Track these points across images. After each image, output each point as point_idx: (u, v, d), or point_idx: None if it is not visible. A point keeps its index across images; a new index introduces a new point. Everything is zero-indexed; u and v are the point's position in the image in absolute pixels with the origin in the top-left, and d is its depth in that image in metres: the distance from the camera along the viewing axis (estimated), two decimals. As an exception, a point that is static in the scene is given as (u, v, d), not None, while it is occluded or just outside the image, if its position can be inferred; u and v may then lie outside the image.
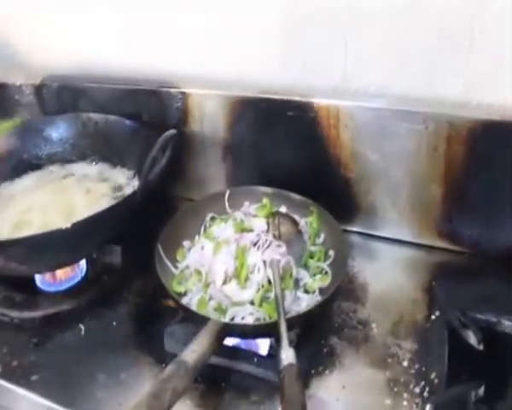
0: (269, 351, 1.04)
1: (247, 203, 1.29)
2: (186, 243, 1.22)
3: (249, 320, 1.03)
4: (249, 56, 1.34)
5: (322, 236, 1.22)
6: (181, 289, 1.12)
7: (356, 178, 1.31)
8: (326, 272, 1.14)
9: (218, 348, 0.95)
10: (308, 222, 1.24)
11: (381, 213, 1.33)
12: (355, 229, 1.37)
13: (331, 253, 1.18)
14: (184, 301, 1.09)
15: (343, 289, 1.19)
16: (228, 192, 1.31)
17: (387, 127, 1.21)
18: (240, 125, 1.37)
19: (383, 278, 1.23)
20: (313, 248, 1.19)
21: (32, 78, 1.62)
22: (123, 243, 1.26)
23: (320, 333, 1.09)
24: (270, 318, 1.02)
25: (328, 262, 1.16)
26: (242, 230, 1.19)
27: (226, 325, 0.97)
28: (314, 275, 1.14)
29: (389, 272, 1.25)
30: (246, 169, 1.42)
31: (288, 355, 0.86)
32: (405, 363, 1.02)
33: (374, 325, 1.11)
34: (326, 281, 1.12)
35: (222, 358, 1.01)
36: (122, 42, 1.50)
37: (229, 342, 1.04)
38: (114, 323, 1.15)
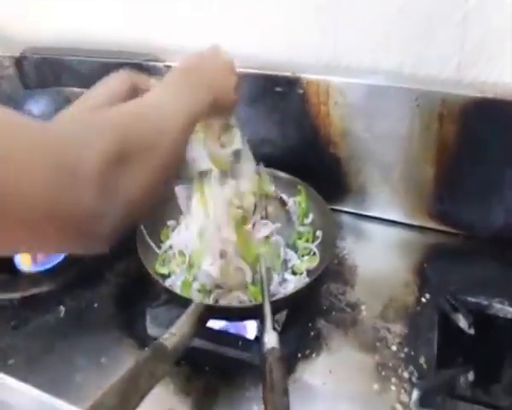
0: (256, 335, 1.04)
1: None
2: (171, 223, 1.21)
3: (234, 302, 1.03)
4: (239, 30, 1.33)
5: (311, 216, 1.21)
6: (164, 270, 1.11)
7: (346, 157, 1.30)
8: (314, 254, 1.14)
9: (201, 330, 0.94)
10: (296, 202, 1.23)
11: (372, 192, 1.33)
12: (345, 209, 1.37)
13: (319, 233, 1.17)
14: (167, 283, 1.08)
15: (332, 271, 1.19)
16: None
17: (379, 105, 1.20)
18: None
19: (373, 259, 1.23)
20: (301, 229, 1.19)
21: (12, 49, 1.59)
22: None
23: (307, 316, 1.09)
24: (256, 300, 1.02)
25: (316, 243, 1.16)
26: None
27: (209, 307, 0.97)
28: (302, 256, 1.15)
29: (380, 253, 1.25)
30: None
31: (270, 339, 0.85)
32: (394, 347, 1.02)
33: (363, 308, 1.11)
34: (314, 262, 1.12)
35: (206, 341, 1.01)
36: (109, 15, 1.48)
37: (216, 325, 1.04)
38: (95, 305, 1.14)
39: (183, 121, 0.75)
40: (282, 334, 0.93)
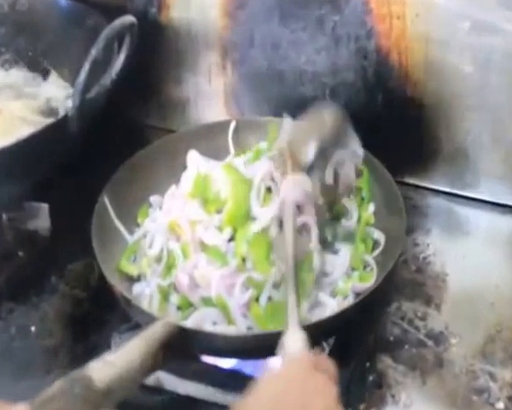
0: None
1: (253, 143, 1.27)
2: (154, 199, 1.21)
3: (223, 328, 1.01)
4: None
5: (372, 208, 1.18)
6: (132, 269, 1.11)
7: (434, 104, 1.29)
8: (370, 269, 1.10)
9: (164, 364, 0.93)
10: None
11: (477, 162, 1.32)
12: (432, 186, 1.36)
13: (379, 237, 1.14)
14: (135, 290, 1.08)
15: (405, 282, 1.18)
16: (233, 123, 1.29)
17: (486, 19, 1.19)
18: (247, 13, 1.35)
19: (474, 265, 1.22)
20: (354, 228, 1.15)
21: None
22: (53, 199, 1.25)
23: (364, 350, 1.08)
24: (265, 326, 1.00)
25: (376, 253, 1.12)
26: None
27: (182, 331, 0.93)
28: (352, 270, 1.10)
29: (484, 255, 1.24)
30: (256, 84, 1.41)
31: (294, 341, 0.84)
32: (501, 404, 1.00)
33: (453, 342, 1.09)
34: (367, 282, 1.07)
35: (204, 385, 1.00)
36: None
37: (223, 362, 1.03)
38: (33, 328, 1.13)
39: None
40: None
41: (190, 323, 1.01)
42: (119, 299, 1.03)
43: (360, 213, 1.18)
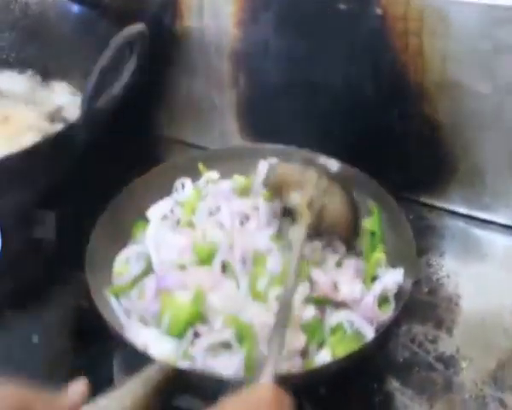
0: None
1: None
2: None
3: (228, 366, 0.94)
4: None
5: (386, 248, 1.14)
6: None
7: (450, 122, 1.29)
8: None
9: None
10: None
11: (493, 183, 1.32)
12: (447, 207, 1.36)
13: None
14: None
15: (417, 304, 1.17)
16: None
17: (503, 37, 1.19)
18: (261, 24, 1.36)
19: (488, 289, 1.22)
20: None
21: None
22: (60, 206, 1.25)
23: (371, 372, 1.07)
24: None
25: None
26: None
27: (182, 373, 0.89)
28: None
29: (500, 279, 1.24)
30: (269, 96, 1.42)
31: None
32: None
33: (464, 365, 1.09)
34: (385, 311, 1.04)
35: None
36: None
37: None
38: (35, 338, 1.13)
39: None
40: (326, 399, 0.92)
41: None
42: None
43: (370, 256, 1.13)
